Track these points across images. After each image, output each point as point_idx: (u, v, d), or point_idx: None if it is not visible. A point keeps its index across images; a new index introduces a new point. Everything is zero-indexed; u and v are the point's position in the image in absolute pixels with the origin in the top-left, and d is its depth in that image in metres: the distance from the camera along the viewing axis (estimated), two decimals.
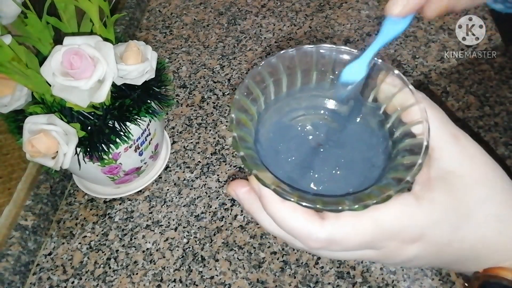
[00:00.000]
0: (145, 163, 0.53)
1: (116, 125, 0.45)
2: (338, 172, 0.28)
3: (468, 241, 0.26)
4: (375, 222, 0.25)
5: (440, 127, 0.27)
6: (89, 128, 0.44)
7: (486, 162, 0.27)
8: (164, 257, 0.50)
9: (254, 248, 0.49)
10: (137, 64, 0.43)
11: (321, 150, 0.29)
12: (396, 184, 0.24)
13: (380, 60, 0.28)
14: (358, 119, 0.30)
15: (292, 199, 0.24)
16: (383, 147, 0.28)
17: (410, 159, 0.25)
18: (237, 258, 0.49)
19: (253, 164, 0.25)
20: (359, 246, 0.26)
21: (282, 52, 0.28)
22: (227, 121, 0.62)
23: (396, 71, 0.27)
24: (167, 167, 0.58)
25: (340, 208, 0.23)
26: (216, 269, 0.48)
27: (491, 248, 0.27)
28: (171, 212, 0.54)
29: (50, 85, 0.41)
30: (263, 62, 0.28)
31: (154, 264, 0.50)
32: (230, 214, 0.53)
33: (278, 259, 0.48)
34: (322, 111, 0.31)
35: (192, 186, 0.56)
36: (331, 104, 0.31)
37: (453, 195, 0.26)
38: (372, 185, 0.26)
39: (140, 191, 0.56)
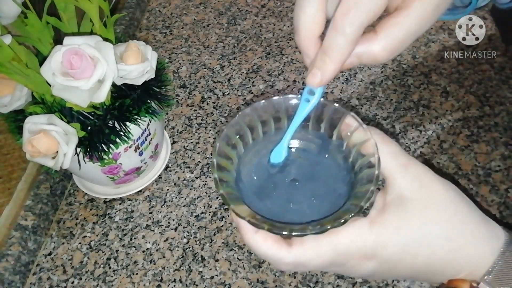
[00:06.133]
0: (145, 163, 0.53)
1: (116, 125, 0.45)
2: (311, 202, 0.32)
3: (421, 258, 0.29)
4: (333, 246, 0.29)
5: (392, 159, 0.30)
6: (89, 128, 0.44)
7: (436, 188, 0.30)
8: (164, 257, 0.50)
9: None
10: (137, 64, 0.43)
11: (296, 184, 0.33)
12: (354, 209, 0.28)
13: (337, 105, 0.32)
14: (326, 156, 0.34)
15: (264, 228, 0.28)
16: (348, 179, 0.32)
17: (366, 187, 0.29)
18: (237, 258, 0.49)
19: (231, 199, 0.29)
20: (322, 267, 0.30)
21: (255, 103, 0.33)
22: (227, 121, 0.62)
23: (352, 113, 0.32)
24: (167, 167, 0.58)
25: (303, 233, 0.28)
26: (216, 269, 0.48)
27: (443, 264, 0.30)
28: (171, 212, 0.54)
29: (50, 85, 0.41)
30: (239, 114, 0.33)
31: (154, 264, 0.50)
32: (230, 214, 0.52)
33: None
34: (294, 151, 0.35)
35: (192, 186, 0.56)
36: (302, 144, 0.35)
37: (403, 217, 0.29)
38: (337, 211, 0.30)
39: (140, 191, 0.56)
